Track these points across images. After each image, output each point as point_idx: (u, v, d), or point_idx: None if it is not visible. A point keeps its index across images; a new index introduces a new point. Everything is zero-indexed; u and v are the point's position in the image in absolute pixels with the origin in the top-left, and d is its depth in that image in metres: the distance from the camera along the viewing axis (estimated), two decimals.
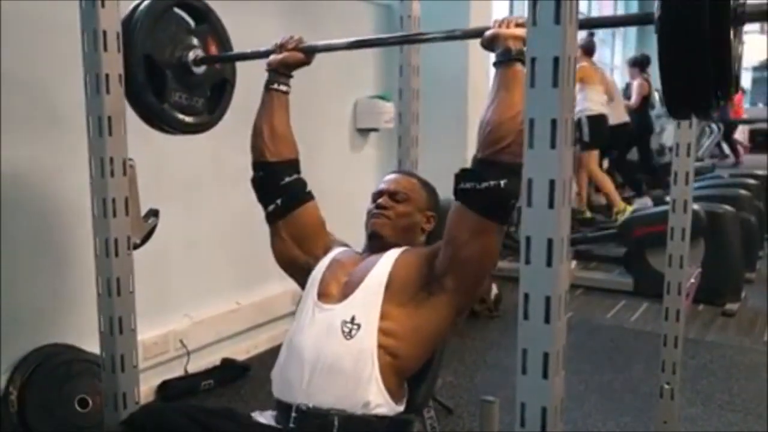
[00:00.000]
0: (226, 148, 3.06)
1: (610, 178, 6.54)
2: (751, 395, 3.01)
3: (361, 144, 4.07)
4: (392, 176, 1.85)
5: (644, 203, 6.36)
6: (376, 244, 1.73)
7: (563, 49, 0.91)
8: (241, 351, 3.29)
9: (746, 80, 11.76)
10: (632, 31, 11.52)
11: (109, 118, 1.60)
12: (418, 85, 2.27)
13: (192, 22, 1.99)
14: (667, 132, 8.25)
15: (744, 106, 12.40)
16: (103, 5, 1.57)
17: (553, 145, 0.92)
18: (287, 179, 1.79)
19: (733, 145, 11.06)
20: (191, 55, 1.93)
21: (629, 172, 7.61)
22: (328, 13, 3.67)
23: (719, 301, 4.21)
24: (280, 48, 1.84)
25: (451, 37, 1.69)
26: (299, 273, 1.76)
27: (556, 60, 0.91)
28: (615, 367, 3.35)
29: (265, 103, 1.84)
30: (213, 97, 2.06)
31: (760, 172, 6.01)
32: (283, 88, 1.84)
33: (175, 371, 3.01)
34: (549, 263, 0.94)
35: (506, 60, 1.45)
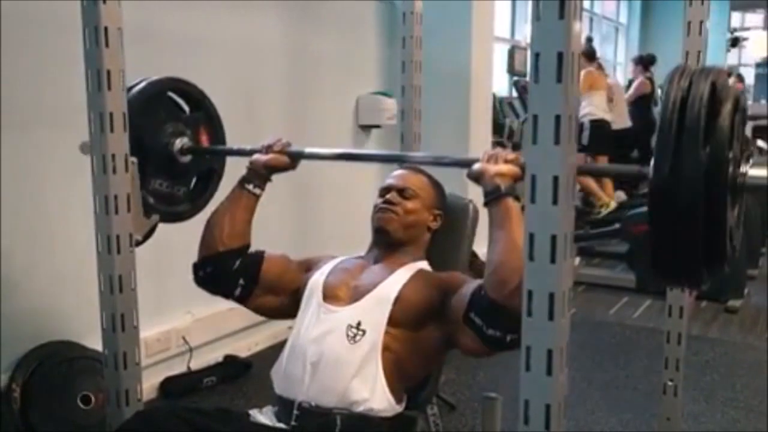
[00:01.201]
0: (229, 144, 3.06)
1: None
2: (753, 392, 3.01)
3: (363, 140, 4.06)
4: (401, 172, 1.83)
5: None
6: (382, 239, 1.73)
7: (567, 44, 0.90)
8: (243, 348, 3.29)
9: (749, 76, 11.71)
10: (635, 28, 11.51)
11: (111, 114, 1.60)
12: (421, 81, 2.26)
13: (186, 108, 1.95)
14: None
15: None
16: (104, 1, 1.56)
17: (556, 141, 0.91)
18: (237, 262, 1.71)
19: None
20: (178, 143, 1.87)
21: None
22: (330, 11, 3.66)
23: (722, 298, 4.21)
24: (267, 149, 1.77)
25: (439, 163, 1.68)
26: (294, 309, 1.70)
27: (560, 55, 0.90)
28: (617, 364, 3.35)
29: (234, 199, 1.76)
30: (197, 187, 2.00)
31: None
32: (257, 191, 1.76)
33: (178, 368, 3.01)
34: (553, 260, 0.93)
35: (496, 197, 1.40)
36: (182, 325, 3.01)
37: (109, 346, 1.69)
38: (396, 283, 1.59)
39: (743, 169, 1.18)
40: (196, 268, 1.74)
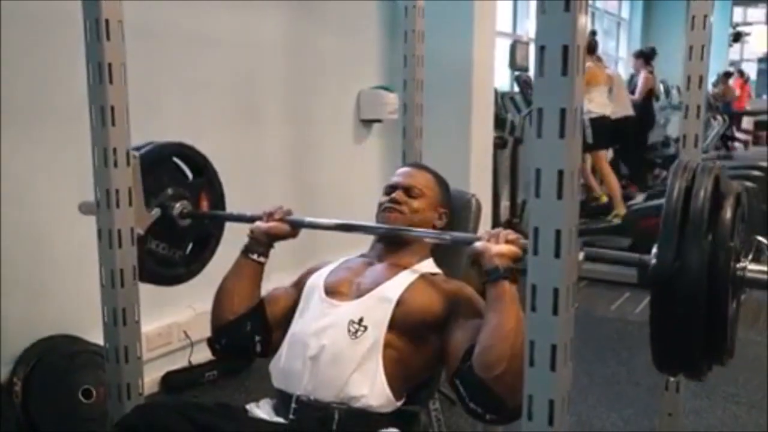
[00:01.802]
0: (230, 139, 3.06)
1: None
2: (755, 388, 3.01)
3: (364, 135, 4.05)
4: (407, 169, 1.82)
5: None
6: (387, 238, 1.72)
7: (573, 37, 0.89)
8: None
9: (752, 71, 11.70)
10: (637, 23, 11.49)
11: (112, 108, 1.59)
12: (423, 75, 2.25)
13: (189, 174, 1.95)
14: (672, 123, 8.22)
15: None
16: None
17: (561, 135, 0.91)
18: (249, 324, 1.70)
19: (732, 136, 11.01)
20: (178, 206, 1.86)
21: (634, 164, 7.58)
22: (331, 5, 3.65)
23: None
24: (267, 217, 1.76)
25: (441, 238, 1.67)
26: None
27: (565, 48, 0.90)
28: (619, 360, 3.35)
29: (239, 269, 1.76)
30: (193, 251, 2.00)
31: (763, 164, 5.99)
32: (261, 259, 1.75)
33: (179, 362, 3.01)
34: (557, 254, 0.93)
35: (494, 279, 1.39)
36: (183, 319, 3.01)
37: (111, 340, 1.69)
38: (399, 285, 1.58)
39: (743, 263, 1.18)
40: (212, 342, 1.75)
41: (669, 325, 1.12)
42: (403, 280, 1.59)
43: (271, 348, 1.69)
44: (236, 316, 1.71)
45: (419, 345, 1.54)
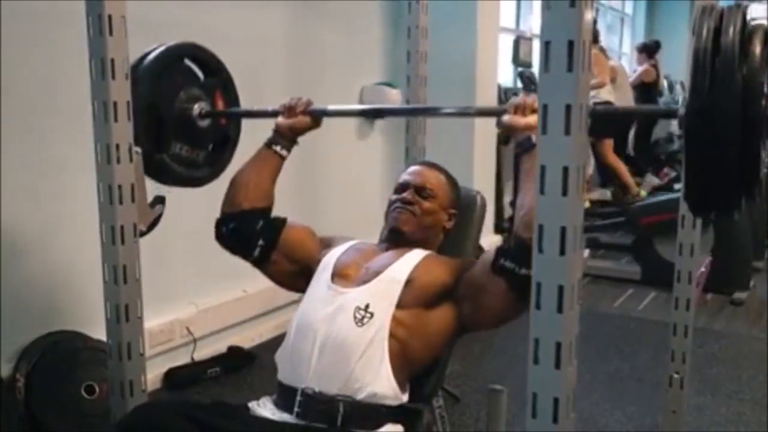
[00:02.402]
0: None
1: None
2: (759, 384, 3.00)
3: (367, 131, 4.04)
4: (419, 168, 1.81)
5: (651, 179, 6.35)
6: (396, 238, 1.71)
7: (578, 33, 0.89)
8: (247, 339, 3.29)
9: None
10: (641, 18, 11.45)
11: (115, 104, 1.58)
12: (426, 71, 2.24)
13: (201, 75, 1.96)
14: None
15: None
16: None
17: (567, 132, 0.90)
18: (261, 223, 1.73)
19: None
20: (196, 108, 1.89)
21: (638, 159, 7.55)
22: (335, 4, 3.65)
23: (728, 290, 4.19)
24: (289, 111, 1.78)
25: (465, 114, 1.68)
26: (306, 279, 1.70)
27: (570, 44, 0.89)
28: (622, 357, 3.34)
29: (260, 160, 1.78)
30: (215, 151, 2.02)
31: None
32: (284, 152, 1.79)
33: (182, 359, 3.01)
34: (562, 252, 0.92)
35: (527, 148, 1.47)
36: (186, 315, 3.01)
37: (113, 337, 1.69)
38: (408, 264, 1.59)
39: None
40: (219, 223, 1.76)
41: (704, 161, 1.14)
42: (411, 259, 1.61)
43: (266, 264, 1.73)
44: (250, 207, 1.73)
45: (428, 320, 1.54)
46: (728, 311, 4.04)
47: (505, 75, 6.71)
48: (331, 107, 1.82)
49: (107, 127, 1.59)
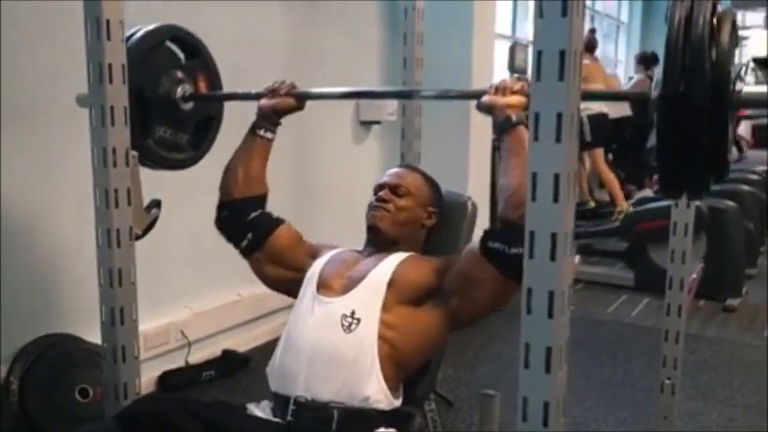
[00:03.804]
0: (227, 138, 3.05)
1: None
2: (751, 391, 3.02)
3: (363, 137, 4.06)
4: (395, 170, 1.85)
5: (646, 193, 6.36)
6: (375, 236, 1.74)
7: (570, 42, 0.90)
8: (242, 342, 3.29)
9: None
10: (636, 26, 11.50)
11: (112, 108, 1.60)
12: (422, 77, 2.25)
13: (182, 57, 1.96)
14: None
15: None
16: None
17: (558, 139, 0.91)
18: (253, 214, 1.76)
19: (737, 140, 11.04)
20: (179, 90, 1.90)
21: (633, 165, 7.58)
22: (332, 6, 3.66)
23: (720, 297, 4.21)
24: (272, 93, 1.81)
25: (445, 96, 1.71)
26: (293, 287, 1.72)
27: (562, 53, 0.90)
28: (615, 362, 3.35)
29: (247, 145, 1.81)
30: (197, 133, 2.02)
31: (761, 168, 6.00)
32: (268, 135, 1.81)
33: (176, 362, 3.01)
34: (553, 258, 0.93)
35: (509, 126, 1.47)
36: (181, 319, 3.01)
37: (108, 340, 1.70)
38: (389, 265, 1.60)
39: (738, 86, 1.24)
40: (218, 209, 1.81)
41: (675, 144, 1.20)
42: (393, 261, 1.62)
43: (251, 260, 1.76)
44: (242, 196, 1.77)
45: (416, 319, 1.55)
46: (721, 318, 4.06)
47: None
48: (314, 90, 1.85)
49: (104, 131, 1.60)
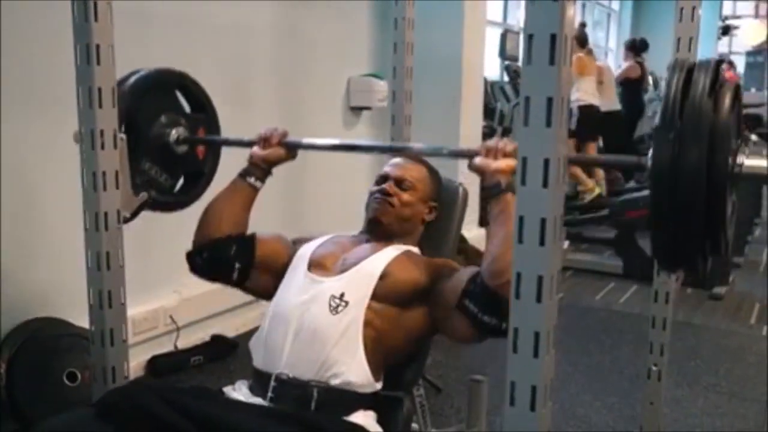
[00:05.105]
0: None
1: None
2: (736, 378, 3.05)
3: (353, 122, 4.05)
4: (400, 161, 1.81)
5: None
6: (375, 229, 1.72)
7: (561, 26, 0.90)
8: (230, 328, 3.29)
9: (740, 65, 11.75)
10: (627, 14, 11.51)
11: (100, 90, 1.58)
12: (412, 63, 2.24)
13: (188, 108, 1.96)
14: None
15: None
16: None
17: (548, 124, 0.91)
18: (234, 247, 1.71)
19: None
20: (174, 132, 1.87)
21: (622, 151, 7.59)
22: (325, 7, 3.64)
23: (707, 285, 4.24)
24: (264, 142, 1.77)
25: (437, 154, 1.69)
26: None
27: (553, 37, 0.90)
28: (603, 349, 3.38)
29: (235, 191, 1.77)
30: (184, 184, 1.99)
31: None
32: (258, 184, 1.77)
33: (165, 347, 3.01)
34: (542, 242, 0.94)
35: (497, 193, 1.45)
36: (170, 304, 3.01)
37: (96, 323, 1.69)
38: (384, 258, 1.59)
39: (740, 159, 1.19)
40: (192, 255, 1.74)
41: (669, 220, 1.13)
42: (388, 254, 1.61)
43: (247, 283, 1.72)
44: (223, 235, 1.72)
45: (402, 317, 1.55)
46: (707, 306, 4.09)
47: (493, 68, 6.72)
48: (306, 140, 1.81)
49: (92, 113, 1.58)
